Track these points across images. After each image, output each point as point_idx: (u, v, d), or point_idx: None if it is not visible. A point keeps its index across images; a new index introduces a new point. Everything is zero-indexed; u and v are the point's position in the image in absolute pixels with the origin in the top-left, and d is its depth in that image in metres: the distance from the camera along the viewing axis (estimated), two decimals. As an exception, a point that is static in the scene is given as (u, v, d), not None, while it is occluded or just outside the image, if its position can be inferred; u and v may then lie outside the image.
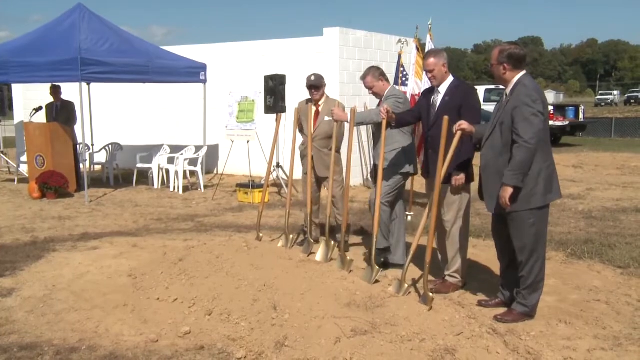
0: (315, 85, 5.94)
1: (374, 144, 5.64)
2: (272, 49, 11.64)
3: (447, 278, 4.80)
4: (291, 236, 5.97)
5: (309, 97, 6.06)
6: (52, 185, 9.40)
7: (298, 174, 6.31)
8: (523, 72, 4.10)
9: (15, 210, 8.58)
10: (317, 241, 5.78)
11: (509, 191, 3.94)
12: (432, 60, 4.71)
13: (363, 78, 5.51)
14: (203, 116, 10.71)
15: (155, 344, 3.83)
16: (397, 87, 6.87)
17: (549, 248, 4.66)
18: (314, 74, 6.03)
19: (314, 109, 6.01)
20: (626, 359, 3.60)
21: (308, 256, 5.50)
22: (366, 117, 5.34)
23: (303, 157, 6.11)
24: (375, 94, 5.50)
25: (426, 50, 7.68)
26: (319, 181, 6.10)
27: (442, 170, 4.35)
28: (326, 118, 5.90)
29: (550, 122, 18.43)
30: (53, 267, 5.47)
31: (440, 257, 4.92)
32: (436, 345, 3.65)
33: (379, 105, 5.45)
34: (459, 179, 4.59)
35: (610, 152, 16.77)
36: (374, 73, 5.44)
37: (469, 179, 4.66)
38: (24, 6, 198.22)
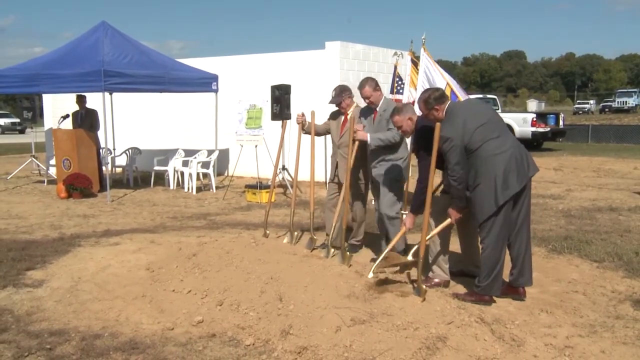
0: (334, 103, 5.64)
1: (371, 159, 5.34)
2: (278, 61, 11.63)
3: (431, 276, 4.68)
4: (295, 233, 5.95)
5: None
6: (77, 186, 9.41)
7: (302, 176, 6.26)
8: (446, 105, 4.32)
9: (45, 209, 8.58)
10: (337, 247, 5.37)
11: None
12: (396, 117, 4.68)
13: (361, 88, 5.34)
14: (215, 123, 10.70)
15: (171, 332, 3.83)
16: (389, 97, 6.72)
17: (532, 244, 4.64)
18: (334, 89, 5.65)
19: (342, 117, 5.70)
20: (601, 344, 3.60)
21: (311, 252, 5.49)
22: (384, 138, 5.13)
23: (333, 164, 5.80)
24: (372, 103, 5.36)
25: (420, 65, 7.64)
26: (341, 187, 5.55)
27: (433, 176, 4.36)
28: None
29: (533, 129, 18.69)
30: (78, 260, 5.47)
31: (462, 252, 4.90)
32: (429, 333, 3.63)
33: (374, 116, 5.34)
34: None
35: (587, 156, 16.72)
36: (371, 83, 5.31)
37: None
38: (56, 24, 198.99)
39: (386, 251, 4.73)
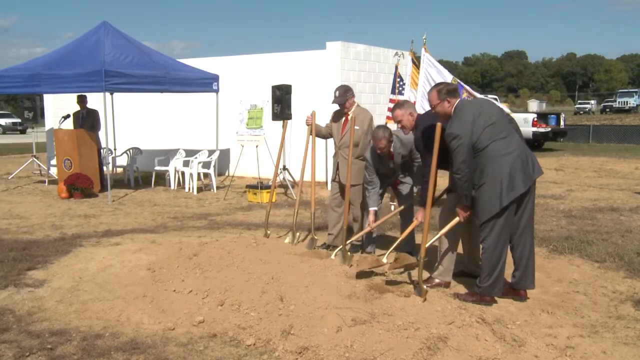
0: (339, 103, 5.58)
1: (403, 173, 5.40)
2: (279, 61, 11.63)
3: (433, 276, 4.70)
4: (297, 233, 5.95)
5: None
6: (78, 186, 9.42)
7: (307, 176, 6.26)
8: (457, 101, 4.31)
9: (46, 209, 8.59)
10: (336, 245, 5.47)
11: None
12: (397, 111, 4.78)
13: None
14: (215, 123, 10.71)
15: (172, 332, 3.83)
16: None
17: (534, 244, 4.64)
18: (338, 90, 5.59)
19: (343, 118, 5.67)
20: (602, 345, 3.60)
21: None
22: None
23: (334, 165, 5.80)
24: (404, 127, 5.04)
25: (421, 65, 7.65)
26: (343, 188, 5.54)
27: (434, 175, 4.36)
28: (356, 127, 5.43)
29: (534, 129, 18.68)
30: (79, 260, 5.47)
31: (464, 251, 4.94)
32: (430, 333, 3.64)
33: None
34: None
35: (588, 157, 16.73)
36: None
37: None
38: (57, 24, 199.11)
39: (399, 240, 4.85)
